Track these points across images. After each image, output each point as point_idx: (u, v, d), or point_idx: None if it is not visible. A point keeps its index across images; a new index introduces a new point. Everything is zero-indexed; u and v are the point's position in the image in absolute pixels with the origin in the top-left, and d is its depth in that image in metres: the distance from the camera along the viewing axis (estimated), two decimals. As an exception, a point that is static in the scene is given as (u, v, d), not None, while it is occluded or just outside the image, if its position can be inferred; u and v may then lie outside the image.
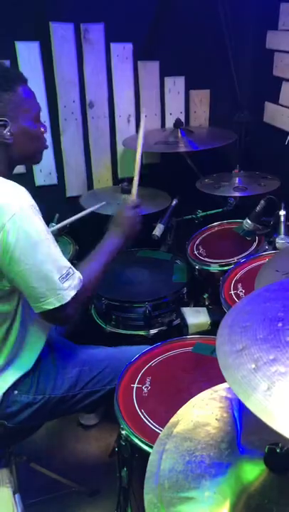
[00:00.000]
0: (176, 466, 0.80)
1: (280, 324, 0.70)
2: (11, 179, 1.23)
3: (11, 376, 1.33)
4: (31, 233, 1.15)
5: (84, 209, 2.04)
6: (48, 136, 2.25)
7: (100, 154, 2.41)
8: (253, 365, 0.65)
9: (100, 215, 2.08)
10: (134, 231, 1.54)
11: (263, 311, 0.75)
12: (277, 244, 1.68)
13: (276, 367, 0.64)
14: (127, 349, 1.53)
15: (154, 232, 1.95)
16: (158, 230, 1.96)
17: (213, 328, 1.61)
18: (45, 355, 1.42)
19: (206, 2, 2.21)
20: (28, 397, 1.34)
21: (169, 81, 2.38)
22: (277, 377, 0.62)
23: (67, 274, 1.22)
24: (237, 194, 2.06)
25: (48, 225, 2.18)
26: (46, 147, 1.39)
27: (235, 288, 1.58)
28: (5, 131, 1.22)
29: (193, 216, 2.18)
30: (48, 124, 2.23)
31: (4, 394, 1.32)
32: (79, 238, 2.19)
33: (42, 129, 1.35)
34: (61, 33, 2.09)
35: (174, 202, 2.07)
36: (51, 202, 2.36)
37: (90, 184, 2.46)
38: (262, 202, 1.80)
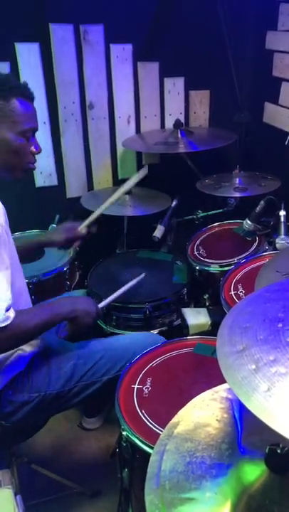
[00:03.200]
0: (177, 466, 0.80)
1: (280, 325, 0.70)
2: None
3: (3, 378, 1.32)
4: None
5: (85, 209, 2.05)
6: (47, 138, 2.26)
7: (100, 155, 2.42)
8: (254, 366, 0.65)
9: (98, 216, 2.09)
10: (84, 321, 1.41)
11: (263, 312, 0.75)
12: (277, 245, 1.68)
13: (276, 368, 0.64)
14: (121, 337, 1.54)
15: (154, 234, 1.96)
16: (158, 232, 1.96)
17: (213, 329, 1.61)
18: (38, 352, 1.42)
19: (205, 3, 2.21)
20: (24, 395, 1.33)
21: (168, 82, 2.39)
22: (278, 377, 0.62)
23: None
24: (237, 194, 2.06)
25: (48, 226, 2.21)
26: (31, 167, 1.36)
27: (236, 288, 1.58)
28: None
29: (194, 217, 2.18)
30: (47, 125, 2.24)
31: None
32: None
33: (33, 149, 1.33)
34: (61, 34, 2.10)
35: (174, 203, 2.07)
36: (52, 203, 2.36)
37: (90, 185, 2.46)
38: (262, 202, 1.80)
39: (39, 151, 1.36)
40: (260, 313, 0.75)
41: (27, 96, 1.30)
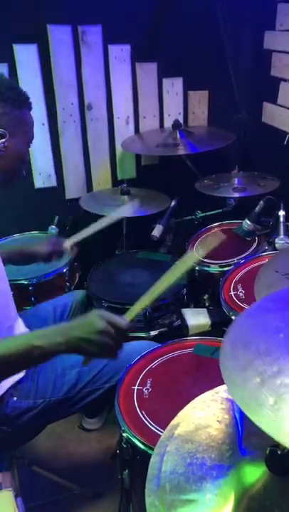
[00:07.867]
0: (178, 468, 0.80)
1: (281, 335, 0.70)
2: None
3: (5, 383, 1.31)
4: None
5: (84, 210, 2.04)
6: (46, 139, 2.27)
7: (99, 156, 2.42)
8: (258, 379, 0.64)
9: (100, 217, 2.09)
10: (89, 350, 1.10)
11: (264, 323, 0.74)
12: (276, 245, 1.68)
13: (281, 379, 0.63)
14: (125, 345, 1.53)
15: (153, 233, 1.95)
16: (157, 231, 1.95)
17: (213, 329, 1.61)
18: None
19: (203, 3, 2.22)
20: (28, 402, 1.33)
21: (167, 82, 2.39)
22: (283, 389, 0.62)
23: None
24: (236, 195, 2.06)
25: (47, 228, 2.21)
26: (22, 176, 1.37)
27: (235, 289, 1.58)
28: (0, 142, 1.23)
29: (193, 217, 2.18)
30: (46, 126, 2.24)
31: (1, 400, 1.31)
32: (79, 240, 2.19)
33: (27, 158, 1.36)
34: (59, 35, 2.10)
35: (174, 203, 2.07)
36: (51, 204, 2.36)
37: (89, 186, 2.46)
38: (261, 202, 1.80)
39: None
40: (261, 324, 0.74)
41: (30, 106, 1.31)
